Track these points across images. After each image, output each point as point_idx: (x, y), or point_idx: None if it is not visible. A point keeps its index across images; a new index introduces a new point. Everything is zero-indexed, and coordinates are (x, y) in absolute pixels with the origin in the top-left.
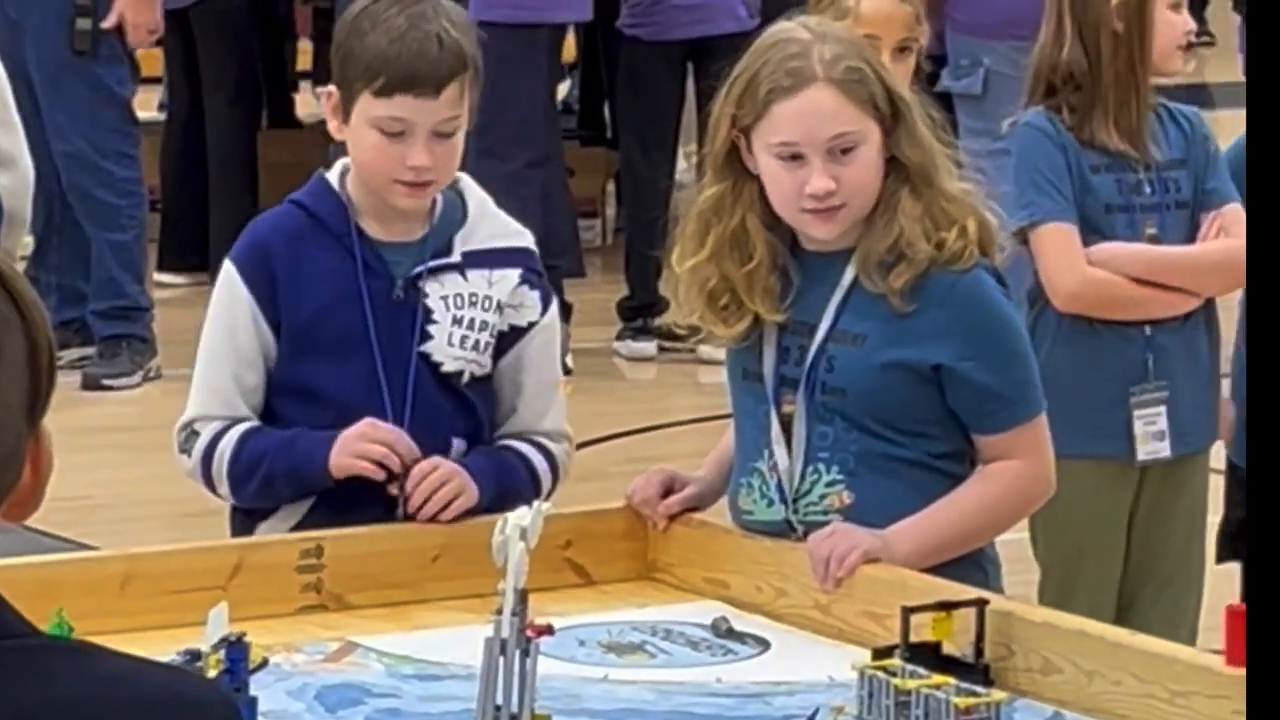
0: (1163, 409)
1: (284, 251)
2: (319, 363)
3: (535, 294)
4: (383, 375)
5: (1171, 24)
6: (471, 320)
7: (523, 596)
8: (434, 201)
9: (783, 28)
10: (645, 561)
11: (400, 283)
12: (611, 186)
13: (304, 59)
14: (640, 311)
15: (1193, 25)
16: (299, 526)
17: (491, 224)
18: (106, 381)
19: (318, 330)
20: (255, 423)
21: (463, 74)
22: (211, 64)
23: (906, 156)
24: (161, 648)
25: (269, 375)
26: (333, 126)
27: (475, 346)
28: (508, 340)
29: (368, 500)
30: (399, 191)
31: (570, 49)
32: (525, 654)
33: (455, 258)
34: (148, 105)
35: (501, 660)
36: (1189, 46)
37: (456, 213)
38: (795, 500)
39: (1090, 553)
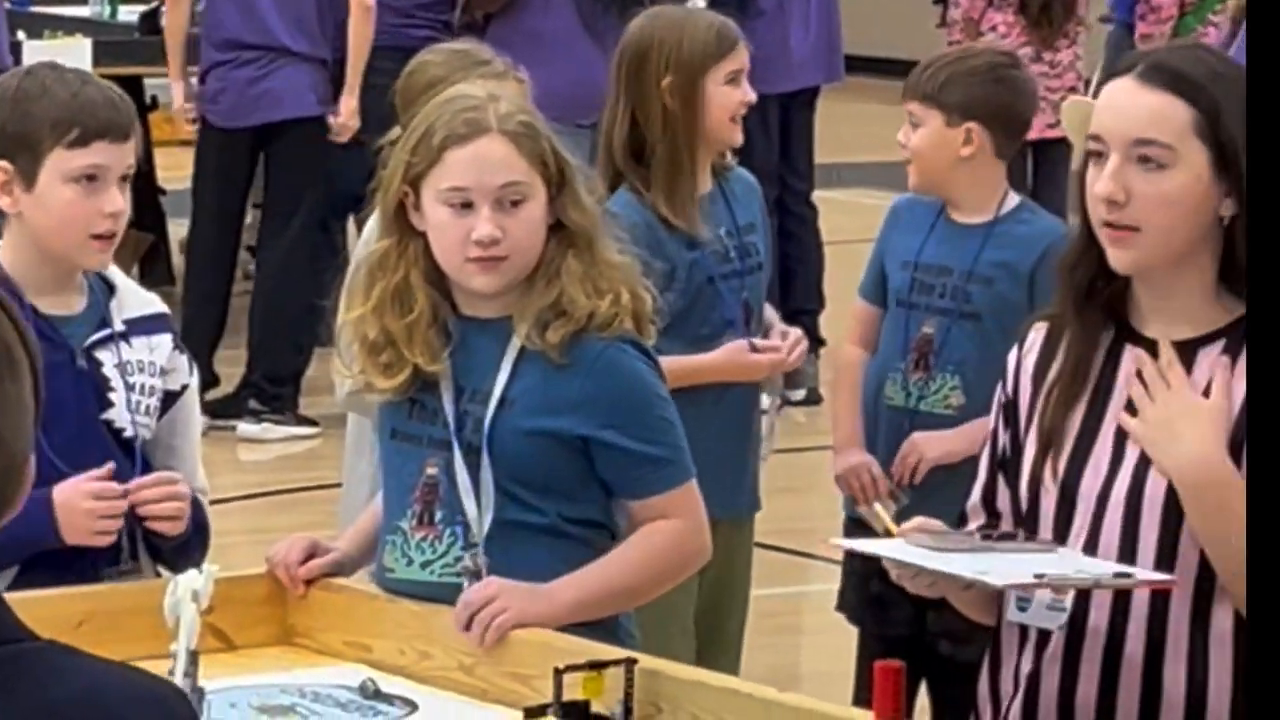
0: None
1: None
2: None
3: (184, 358)
4: (78, 446)
5: (727, 96)
6: (142, 385)
7: (193, 658)
8: (81, 276)
9: (458, 88)
10: (285, 626)
11: (80, 353)
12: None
13: None
14: None
15: (751, 97)
16: (12, 588)
17: (136, 295)
18: None
19: None
20: None
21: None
22: None
23: (572, 220)
24: None
25: None
26: (5, 203)
27: (146, 411)
28: (166, 405)
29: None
30: (92, 249)
31: None
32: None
33: (119, 326)
34: None
35: None
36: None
37: (102, 286)
38: (438, 558)
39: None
